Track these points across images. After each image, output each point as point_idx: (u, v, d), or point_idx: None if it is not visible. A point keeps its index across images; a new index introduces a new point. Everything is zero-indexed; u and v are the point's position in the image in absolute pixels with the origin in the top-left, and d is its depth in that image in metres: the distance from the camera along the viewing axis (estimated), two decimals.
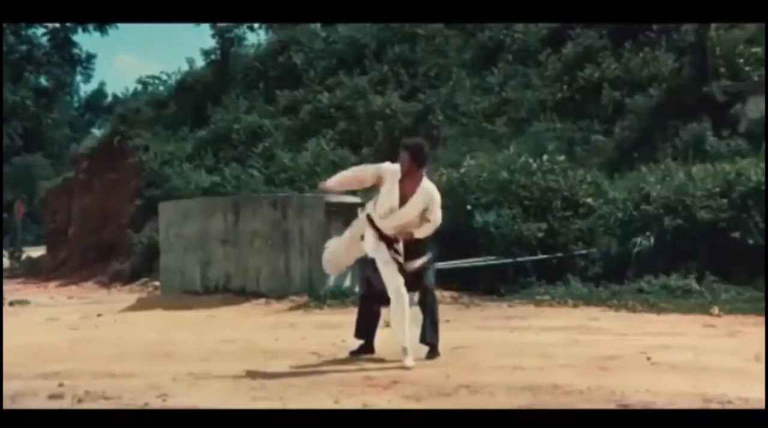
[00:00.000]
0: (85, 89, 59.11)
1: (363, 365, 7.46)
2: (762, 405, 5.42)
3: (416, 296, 7.87)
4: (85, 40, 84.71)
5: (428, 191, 7.52)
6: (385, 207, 7.46)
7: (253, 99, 23.61)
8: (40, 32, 52.39)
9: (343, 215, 12.67)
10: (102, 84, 68.07)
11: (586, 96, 17.80)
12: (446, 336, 8.16)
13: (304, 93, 22.57)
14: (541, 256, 13.45)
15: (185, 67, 26.80)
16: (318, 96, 21.99)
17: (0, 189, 32.07)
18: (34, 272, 25.44)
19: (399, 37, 22.40)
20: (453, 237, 12.90)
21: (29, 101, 49.79)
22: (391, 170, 7.52)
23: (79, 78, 56.78)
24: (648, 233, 13.04)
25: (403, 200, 7.44)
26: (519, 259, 13.37)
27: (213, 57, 25.88)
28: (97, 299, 17.37)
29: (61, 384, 6.76)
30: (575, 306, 11.88)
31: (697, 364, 7.10)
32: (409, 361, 7.29)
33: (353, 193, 16.13)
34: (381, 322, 7.96)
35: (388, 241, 7.47)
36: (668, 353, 7.62)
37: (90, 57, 55.30)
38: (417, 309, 7.72)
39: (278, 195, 15.76)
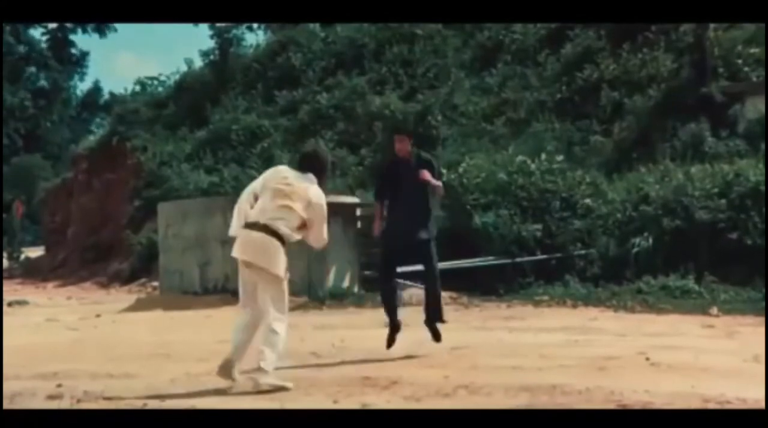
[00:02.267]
0: (82, 88, 58.98)
1: (362, 365, 7.46)
2: (760, 406, 5.42)
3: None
4: (84, 40, 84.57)
5: None
6: None
7: (252, 99, 23.60)
8: (38, 32, 52.42)
9: (340, 215, 12.68)
10: (97, 82, 68.01)
11: (584, 96, 17.80)
12: (445, 336, 8.16)
13: (302, 93, 22.56)
14: (539, 257, 13.46)
15: (184, 68, 26.85)
16: (317, 96, 21.99)
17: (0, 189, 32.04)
18: (33, 272, 25.41)
19: (398, 38, 22.39)
20: (452, 238, 12.92)
21: (28, 102, 49.69)
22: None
23: (76, 77, 56.68)
24: (647, 233, 13.05)
25: None
26: (518, 260, 13.37)
27: (212, 57, 25.87)
28: (96, 299, 17.35)
29: (59, 385, 6.75)
30: (574, 306, 11.88)
31: (696, 364, 7.09)
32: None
33: (351, 193, 16.21)
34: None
35: None
36: (667, 353, 7.61)
37: (84, 54, 55.26)
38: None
39: None
